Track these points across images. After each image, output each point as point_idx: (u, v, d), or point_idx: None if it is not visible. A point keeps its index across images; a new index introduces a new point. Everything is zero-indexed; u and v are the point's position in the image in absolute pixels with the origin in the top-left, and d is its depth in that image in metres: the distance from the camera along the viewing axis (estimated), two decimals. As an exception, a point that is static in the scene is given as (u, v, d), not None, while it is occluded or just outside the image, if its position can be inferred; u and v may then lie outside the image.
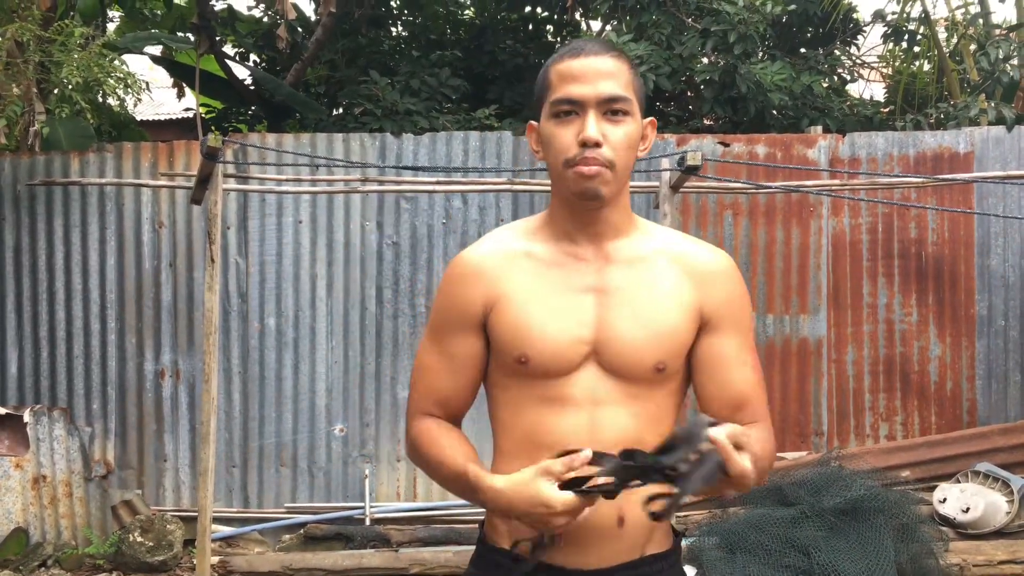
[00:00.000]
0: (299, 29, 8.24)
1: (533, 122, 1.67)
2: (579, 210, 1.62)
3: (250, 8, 8.92)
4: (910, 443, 5.74)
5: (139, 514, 5.52)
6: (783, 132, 6.75)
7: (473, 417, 1.74)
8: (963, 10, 8.12)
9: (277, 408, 5.88)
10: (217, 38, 7.63)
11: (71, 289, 5.90)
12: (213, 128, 8.00)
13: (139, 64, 9.45)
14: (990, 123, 6.33)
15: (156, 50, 8.49)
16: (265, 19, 8.77)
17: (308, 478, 5.88)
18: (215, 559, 5.10)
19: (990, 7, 8.01)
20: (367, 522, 5.69)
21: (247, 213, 5.87)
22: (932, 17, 7.74)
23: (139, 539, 5.27)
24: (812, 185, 5.48)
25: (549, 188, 5.47)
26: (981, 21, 7.91)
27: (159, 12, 8.68)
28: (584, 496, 1.44)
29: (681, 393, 1.68)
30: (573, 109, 1.57)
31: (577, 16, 8.68)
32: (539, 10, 8.68)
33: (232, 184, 5.31)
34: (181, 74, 8.13)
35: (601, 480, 1.44)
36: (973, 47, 7.74)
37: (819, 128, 6.44)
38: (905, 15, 7.87)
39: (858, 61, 8.81)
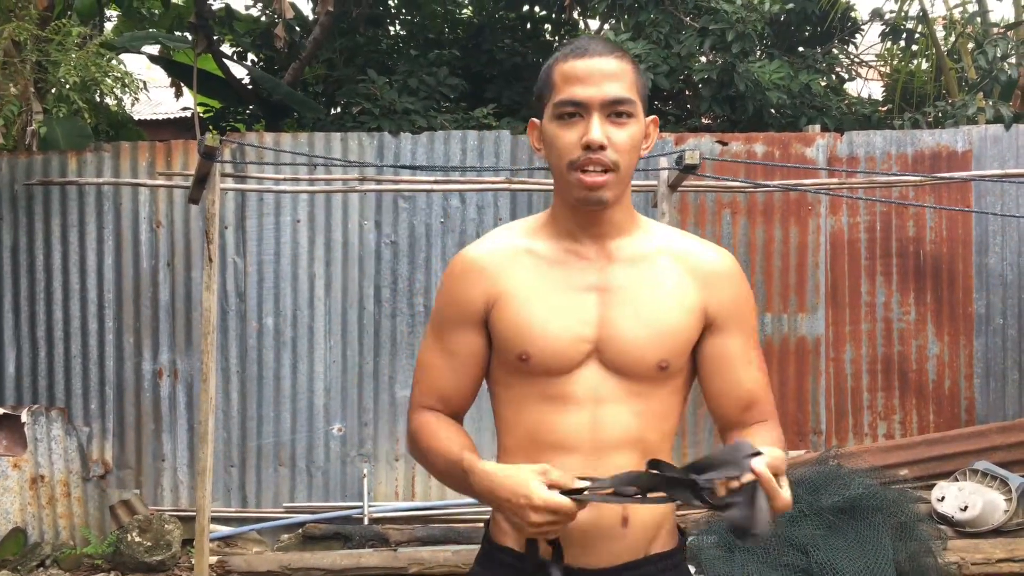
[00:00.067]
0: (297, 28, 8.23)
1: (535, 119, 1.67)
2: (582, 211, 1.62)
3: (248, 7, 8.92)
4: (908, 442, 5.74)
5: (137, 514, 5.52)
6: (781, 131, 6.75)
7: (472, 416, 1.74)
8: (961, 8, 8.12)
9: (275, 408, 5.87)
10: (215, 37, 7.62)
11: (69, 289, 5.89)
12: (211, 127, 7.98)
13: (137, 63, 9.43)
14: (988, 122, 6.33)
15: (154, 49, 8.48)
16: (263, 18, 8.76)
17: (306, 478, 5.88)
18: (213, 559, 5.10)
19: (988, 5, 8.02)
20: (365, 522, 5.69)
21: (245, 212, 5.86)
22: (930, 15, 7.74)
23: (137, 539, 5.26)
24: (810, 184, 5.48)
25: (547, 187, 5.49)
26: (979, 19, 7.92)
27: (157, 11, 8.67)
28: (577, 503, 1.42)
29: (684, 391, 1.68)
30: (577, 111, 1.56)
31: (575, 15, 8.67)
32: (537, 9, 8.67)
33: (230, 183, 5.31)
34: (179, 73, 8.13)
35: (595, 486, 1.43)
36: (971, 45, 7.74)
37: (817, 127, 6.44)
38: (903, 14, 7.87)
39: (856, 60, 8.81)
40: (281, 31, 7.33)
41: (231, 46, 8.75)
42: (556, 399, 1.60)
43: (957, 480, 5.34)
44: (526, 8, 8.65)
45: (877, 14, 8.00)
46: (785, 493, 1.37)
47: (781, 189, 5.51)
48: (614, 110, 1.56)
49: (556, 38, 8.86)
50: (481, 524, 6.52)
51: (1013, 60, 7.04)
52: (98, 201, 5.88)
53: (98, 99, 7.11)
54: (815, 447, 5.85)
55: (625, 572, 1.60)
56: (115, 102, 7.34)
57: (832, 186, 5.56)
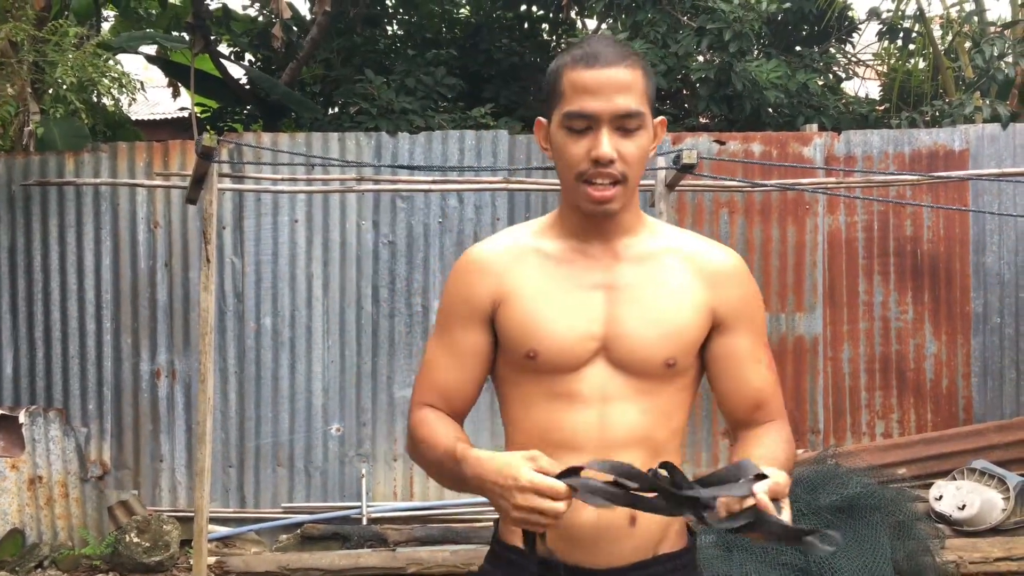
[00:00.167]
0: (294, 28, 8.22)
1: (542, 119, 1.66)
2: (589, 216, 1.63)
3: (245, 7, 8.92)
4: (906, 440, 5.75)
5: (135, 515, 5.51)
6: (779, 130, 6.76)
7: (471, 416, 1.74)
8: (958, 7, 8.13)
9: (273, 408, 5.87)
10: (212, 37, 7.62)
11: (66, 289, 5.88)
12: (208, 127, 7.97)
13: (134, 64, 9.43)
14: (985, 121, 6.34)
15: (151, 50, 8.47)
16: (260, 18, 8.76)
17: (305, 478, 5.88)
18: (212, 559, 5.10)
19: (984, 4, 8.02)
20: (364, 522, 5.69)
21: (242, 213, 5.86)
22: (927, 15, 7.75)
23: (135, 540, 5.26)
24: (808, 183, 5.48)
25: (545, 187, 5.48)
26: (976, 18, 7.93)
27: (154, 11, 8.67)
28: (570, 487, 1.37)
29: (692, 389, 1.68)
30: (588, 124, 1.55)
31: (573, 14, 8.68)
32: (535, 8, 8.67)
33: (227, 184, 5.30)
34: (176, 74, 8.12)
35: (593, 474, 1.38)
36: (968, 44, 7.75)
37: (814, 126, 6.45)
38: (900, 13, 7.88)
39: (853, 59, 8.82)
40: (278, 31, 7.32)
41: (228, 46, 8.75)
42: (564, 397, 1.60)
43: (955, 479, 5.35)
44: (524, 8, 8.65)
45: (874, 13, 8.01)
46: (784, 517, 1.36)
47: (779, 188, 5.51)
48: (623, 124, 1.55)
49: (554, 38, 8.86)
50: (479, 524, 6.50)
51: (1010, 59, 7.04)
52: (95, 201, 5.88)
53: (95, 99, 7.10)
54: (813, 446, 5.86)
55: (633, 572, 1.60)
56: (112, 102, 7.32)
57: (829, 185, 5.56)
